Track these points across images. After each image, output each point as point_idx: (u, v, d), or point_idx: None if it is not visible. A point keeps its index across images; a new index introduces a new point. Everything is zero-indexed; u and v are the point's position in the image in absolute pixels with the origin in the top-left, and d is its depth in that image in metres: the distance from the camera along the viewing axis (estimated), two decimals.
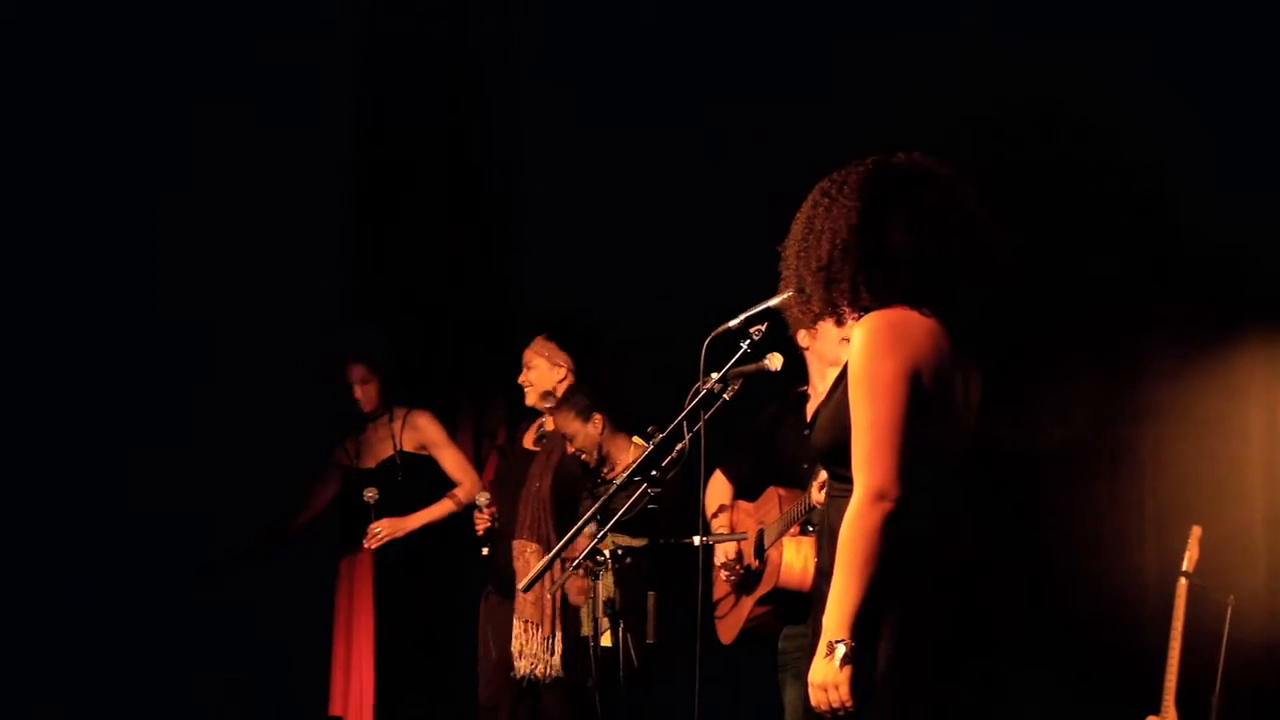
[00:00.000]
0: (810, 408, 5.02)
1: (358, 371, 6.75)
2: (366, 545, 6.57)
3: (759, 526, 5.04)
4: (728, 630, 5.17)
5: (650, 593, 4.69)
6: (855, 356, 3.15)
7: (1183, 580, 5.31)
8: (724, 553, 5.11)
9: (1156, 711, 5.23)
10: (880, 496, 3.05)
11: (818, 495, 4.65)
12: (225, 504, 6.62)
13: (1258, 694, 5.36)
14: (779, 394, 5.13)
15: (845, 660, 3.02)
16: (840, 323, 3.32)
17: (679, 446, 4.30)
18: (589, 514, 4.51)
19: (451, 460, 6.69)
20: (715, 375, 4.20)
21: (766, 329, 4.07)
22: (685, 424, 4.23)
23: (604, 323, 6.34)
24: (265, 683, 6.73)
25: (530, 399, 6.20)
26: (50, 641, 6.55)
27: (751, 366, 4.27)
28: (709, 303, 4.25)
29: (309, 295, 6.88)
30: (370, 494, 6.56)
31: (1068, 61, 5.75)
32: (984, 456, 3.22)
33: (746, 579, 5.07)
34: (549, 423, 6.16)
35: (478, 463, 6.81)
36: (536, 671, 5.87)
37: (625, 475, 4.41)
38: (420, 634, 6.60)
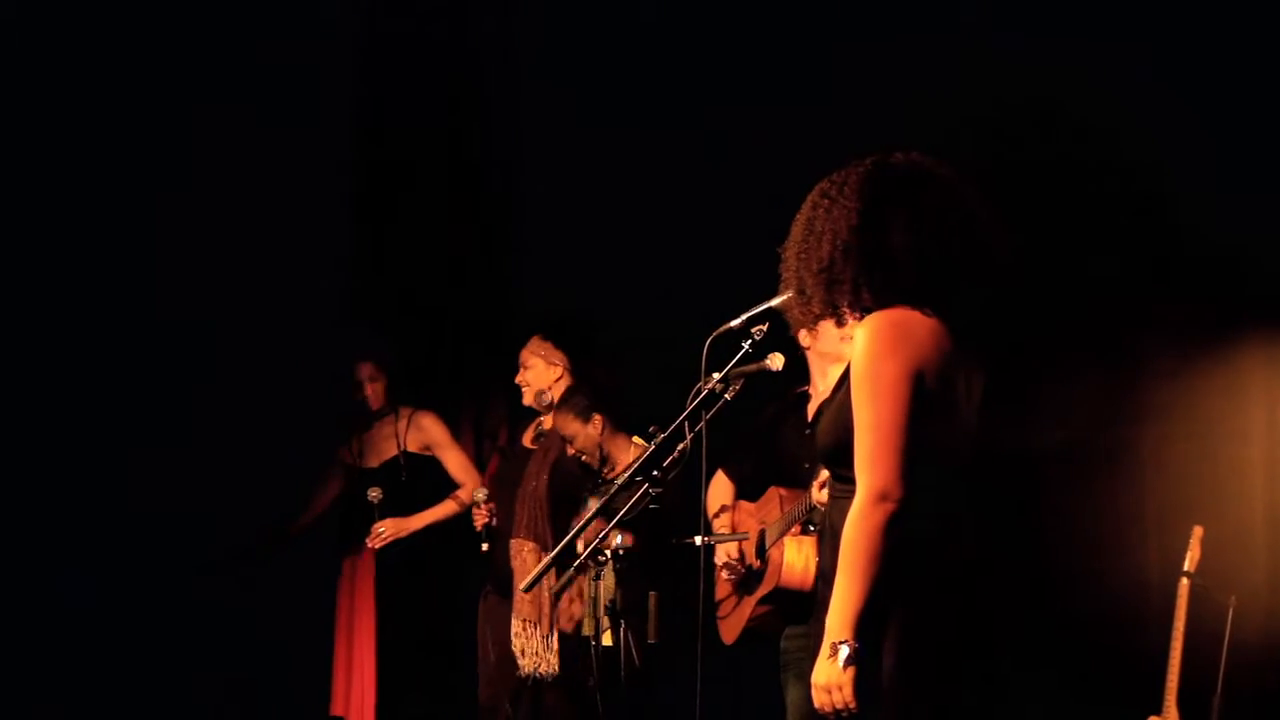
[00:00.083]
0: (811, 408, 5.03)
1: (366, 369, 6.76)
2: (370, 545, 6.57)
3: (760, 526, 5.04)
4: (729, 630, 5.17)
5: (652, 593, 4.69)
6: (858, 357, 3.15)
7: (1184, 580, 5.31)
8: (725, 553, 5.11)
9: (1158, 712, 5.23)
10: (883, 497, 3.05)
11: (818, 495, 4.65)
12: (225, 504, 6.63)
13: (1259, 694, 5.36)
14: (780, 394, 5.13)
15: (849, 661, 3.02)
16: (841, 323, 3.31)
17: (680, 446, 4.30)
18: (590, 514, 4.51)
19: (455, 462, 6.69)
20: (717, 375, 4.20)
21: (768, 329, 4.07)
22: (686, 424, 4.23)
23: (604, 323, 6.35)
24: (266, 683, 6.73)
25: (527, 399, 6.21)
26: (50, 641, 6.55)
27: (753, 366, 4.27)
28: (709, 303, 4.25)
29: (309, 295, 6.88)
30: (374, 494, 6.56)
31: (1068, 61, 5.75)
32: (986, 456, 3.22)
33: (748, 579, 5.07)
34: (547, 421, 6.16)
35: (479, 463, 6.81)
36: (540, 670, 5.88)
37: (626, 475, 4.41)
38: (422, 634, 6.59)
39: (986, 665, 3.17)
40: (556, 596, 5.75)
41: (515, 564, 6.00)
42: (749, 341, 4.11)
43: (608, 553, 4.64)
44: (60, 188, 6.61)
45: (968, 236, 3.22)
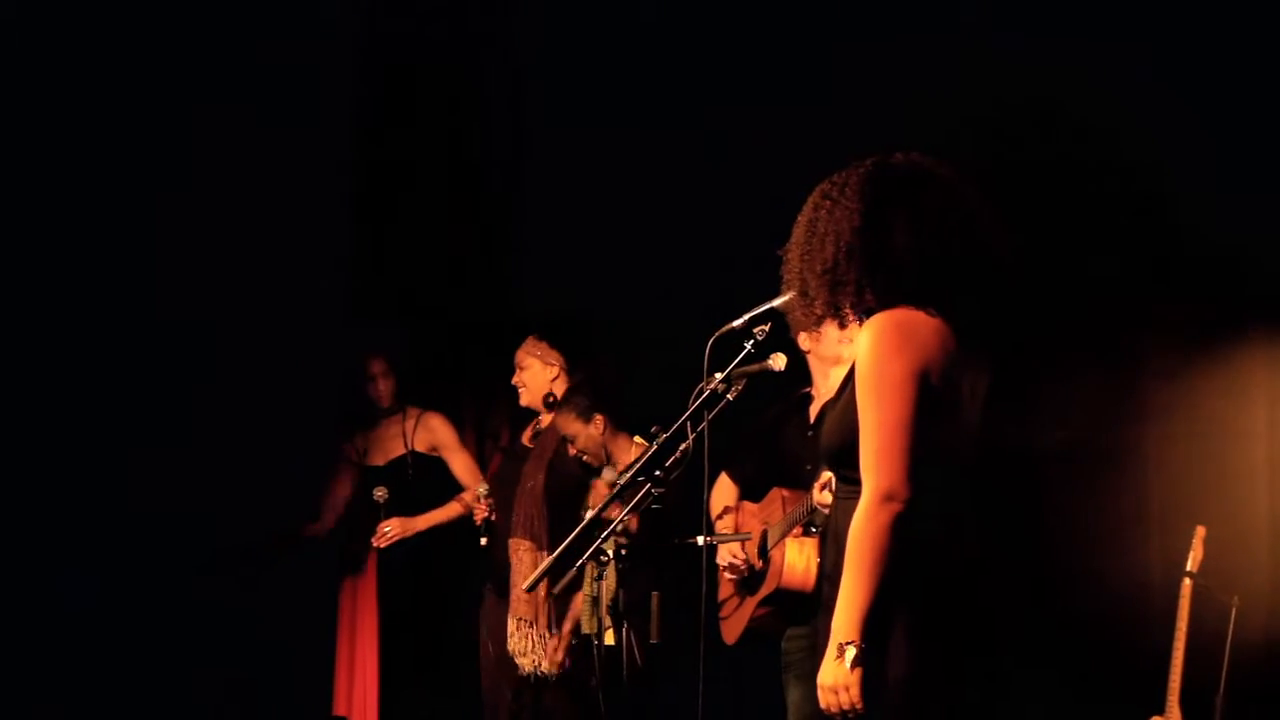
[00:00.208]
0: (814, 409, 5.03)
1: (378, 365, 6.77)
2: (375, 544, 6.57)
3: (763, 527, 5.05)
4: (731, 630, 5.18)
5: (654, 593, 4.69)
6: (863, 357, 3.15)
7: (1187, 580, 5.31)
8: (727, 553, 5.11)
9: (1161, 711, 5.23)
10: (889, 497, 3.05)
11: (819, 497, 4.66)
12: (225, 504, 6.62)
13: (1262, 694, 5.36)
14: (782, 394, 5.13)
15: (856, 662, 3.02)
16: (844, 324, 3.31)
17: (682, 447, 4.31)
18: (592, 514, 4.51)
19: (461, 464, 6.70)
20: (719, 375, 4.21)
21: (770, 329, 4.07)
22: (688, 424, 4.24)
23: (605, 323, 6.35)
24: (269, 682, 6.73)
25: (524, 399, 6.21)
26: (50, 641, 6.54)
27: (755, 367, 4.28)
28: (709, 303, 4.26)
29: (309, 295, 6.87)
30: (380, 493, 6.57)
31: (1068, 61, 5.75)
32: (991, 456, 3.22)
33: (750, 580, 5.07)
34: (544, 420, 6.17)
35: (481, 463, 6.81)
36: (541, 669, 5.88)
37: (629, 475, 4.42)
38: (424, 633, 6.60)
39: (991, 664, 3.17)
40: (556, 596, 5.75)
41: (512, 563, 6.01)
42: (751, 342, 4.12)
43: (610, 552, 4.64)
44: (60, 188, 6.59)
45: (968, 236, 3.22)
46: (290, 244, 6.79)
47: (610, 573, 4.71)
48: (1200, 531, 5.34)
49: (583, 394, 5.80)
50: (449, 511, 6.62)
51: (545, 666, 5.87)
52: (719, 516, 5.22)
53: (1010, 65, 5.84)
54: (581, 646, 5.68)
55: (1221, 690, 5.19)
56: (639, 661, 5.05)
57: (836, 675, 3.04)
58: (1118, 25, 5.75)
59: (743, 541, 5.09)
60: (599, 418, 5.73)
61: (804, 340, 4.86)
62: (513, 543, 6.03)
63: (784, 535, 4.87)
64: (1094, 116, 5.79)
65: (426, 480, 6.68)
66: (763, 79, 6.30)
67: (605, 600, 4.77)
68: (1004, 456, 3.27)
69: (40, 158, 6.56)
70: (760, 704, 5.23)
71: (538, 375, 6.15)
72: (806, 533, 4.82)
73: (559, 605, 5.84)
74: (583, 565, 4.59)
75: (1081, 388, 5.78)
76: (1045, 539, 5.63)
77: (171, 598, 6.63)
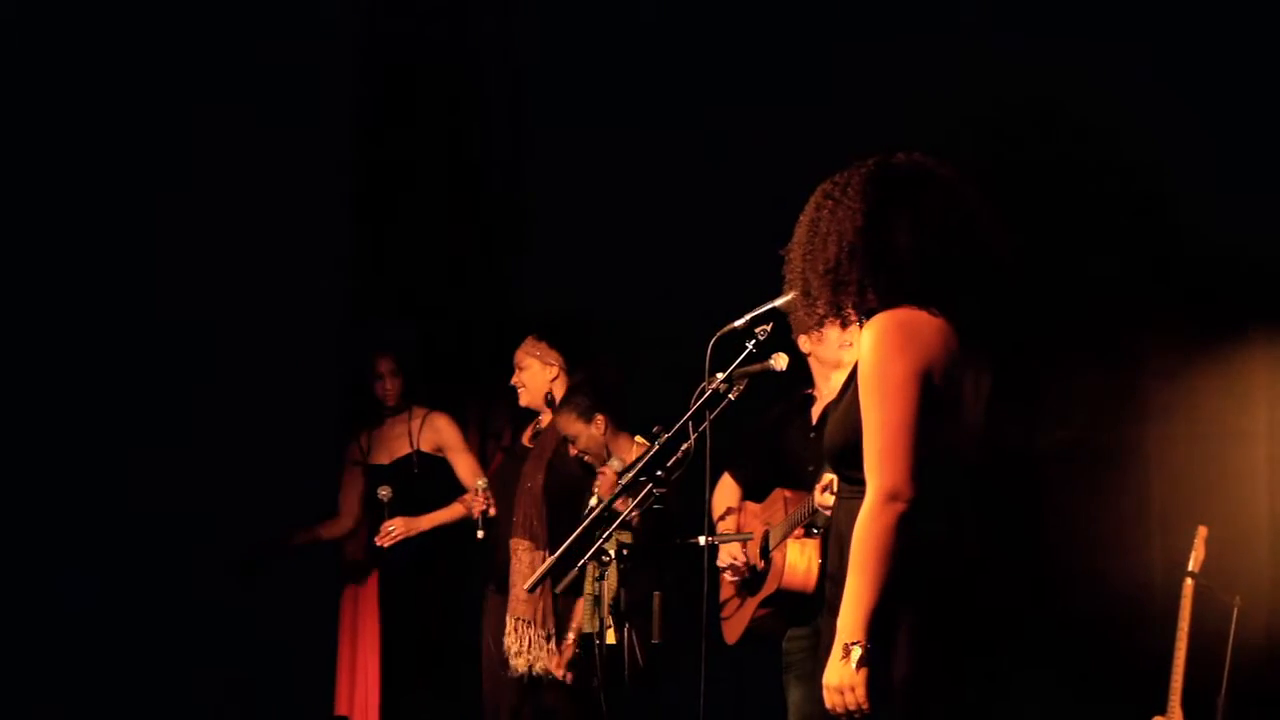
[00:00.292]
0: (816, 410, 5.03)
1: (386, 364, 6.78)
2: (379, 543, 6.58)
3: (765, 528, 5.05)
4: (732, 631, 5.18)
5: (656, 593, 4.69)
6: (865, 357, 3.15)
7: (1189, 580, 5.31)
8: (728, 554, 5.12)
9: (1162, 712, 5.23)
10: (893, 497, 3.05)
11: (821, 498, 4.66)
12: (225, 504, 6.62)
13: (1263, 694, 5.36)
14: (784, 394, 5.13)
15: (861, 662, 3.01)
16: (846, 324, 3.32)
17: (684, 446, 4.31)
18: (594, 514, 4.51)
19: (465, 465, 6.70)
20: (720, 375, 4.21)
21: (771, 329, 4.07)
22: (690, 424, 4.24)
23: (605, 323, 6.35)
24: (270, 682, 6.73)
25: (523, 400, 6.21)
26: (50, 641, 6.54)
27: (757, 366, 4.28)
28: (710, 303, 4.27)
29: (309, 295, 6.87)
30: (384, 492, 6.57)
31: (1068, 61, 5.75)
32: (993, 455, 3.22)
33: (751, 580, 5.08)
34: (544, 420, 6.17)
35: (483, 463, 6.81)
36: (536, 668, 5.87)
37: (631, 475, 4.42)
38: (426, 633, 6.60)
39: (992, 664, 3.17)
40: (558, 598, 5.75)
41: (512, 562, 6.01)
42: (753, 342, 4.11)
43: (611, 552, 4.64)
44: (60, 188, 6.59)
45: (969, 236, 3.22)
46: (290, 244, 6.79)
47: (612, 572, 4.71)
48: (1202, 531, 5.34)
49: (583, 394, 5.80)
50: (452, 512, 6.61)
51: (540, 669, 5.86)
52: (721, 517, 5.23)
53: (1010, 65, 5.84)
54: (583, 646, 5.68)
55: (1223, 690, 5.19)
56: (640, 661, 5.05)
57: (842, 676, 3.04)
58: (1118, 25, 5.76)
59: (744, 542, 5.09)
60: (600, 418, 5.73)
61: (804, 342, 4.86)
62: (513, 543, 6.03)
63: (785, 536, 4.87)
64: (1094, 116, 5.79)
65: (431, 480, 6.69)
66: (763, 79, 6.30)
67: (607, 600, 4.77)
68: (1006, 456, 3.27)
69: (41, 158, 6.56)
70: (761, 704, 5.23)
71: (537, 375, 6.15)
72: (808, 534, 4.82)
73: (560, 608, 5.84)
74: (584, 565, 4.59)
75: (1082, 388, 5.79)
76: (1046, 539, 5.63)
77: (171, 598, 6.63)
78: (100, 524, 6.59)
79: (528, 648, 5.87)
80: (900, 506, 3.04)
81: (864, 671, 3.02)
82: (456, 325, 7.18)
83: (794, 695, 4.90)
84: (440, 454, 6.75)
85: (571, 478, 5.90)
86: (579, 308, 6.41)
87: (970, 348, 3.20)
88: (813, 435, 4.97)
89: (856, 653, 3.02)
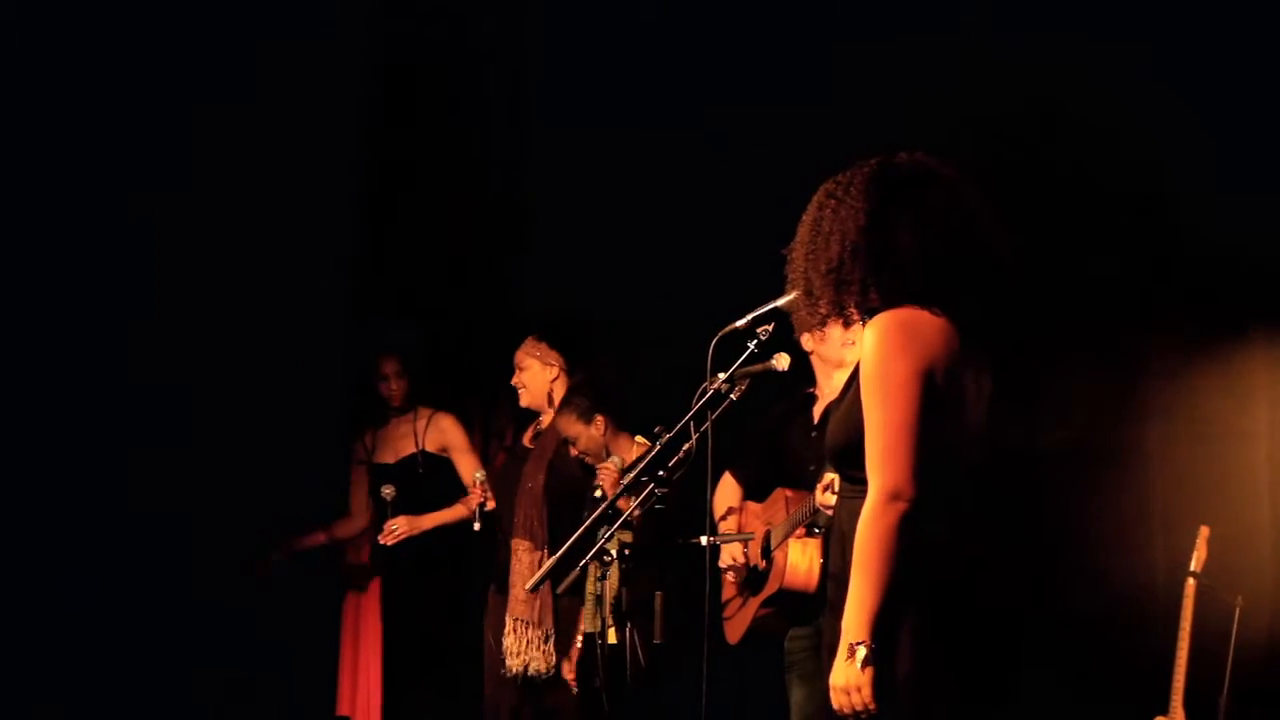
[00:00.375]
0: (818, 409, 5.04)
1: (392, 365, 6.79)
2: (382, 541, 6.58)
3: (766, 528, 5.05)
4: (734, 630, 5.18)
5: (658, 593, 4.69)
6: (868, 357, 3.15)
7: (1191, 580, 5.32)
8: (730, 554, 5.12)
9: (1164, 712, 5.23)
10: (895, 496, 3.05)
11: (822, 497, 4.66)
12: (225, 504, 6.62)
13: (1265, 694, 5.36)
14: (786, 394, 5.13)
15: (867, 662, 3.02)
16: (848, 324, 3.32)
17: (685, 446, 4.31)
18: (595, 513, 4.52)
19: (468, 466, 6.69)
20: (722, 375, 4.21)
21: (773, 329, 4.07)
22: (692, 424, 4.24)
23: (606, 323, 6.35)
24: (271, 683, 6.73)
25: (524, 400, 6.21)
26: (50, 641, 6.54)
27: (758, 366, 4.27)
28: (712, 302, 4.26)
29: (309, 295, 6.87)
30: (388, 491, 6.58)
31: (1068, 61, 5.75)
32: (995, 455, 3.22)
33: (753, 580, 5.08)
34: (545, 420, 6.17)
35: (486, 463, 6.81)
36: (532, 668, 5.87)
37: (632, 475, 4.42)
38: (427, 633, 6.60)
39: (993, 664, 3.17)
40: (559, 599, 5.75)
41: (512, 563, 6.01)
42: (754, 341, 4.11)
43: (613, 552, 4.65)
44: (61, 187, 6.59)
45: (970, 236, 3.23)
46: (291, 244, 6.79)
47: (614, 572, 4.72)
48: (1204, 531, 5.34)
49: (583, 395, 5.80)
50: (455, 512, 6.62)
51: (535, 670, 5.86)
52: (723, 517, 5.23)
53: (1010, 65, 5.84)
54: (585, 646, 5.68)
55: (1225, 690, 5.19)
56: (642, 661, 5.05)
57: (848, 676, 3.04)
58: (1118, 25, 5.76)
59: (746, 542, 5.09)
60: (600, 418, 5.73)
61: (807, 341, 4.87)
62: (513, 543, 6.04)
63: (787, 536, 4.87)
64: (1094, 116, 5.79)
65: (435, 480, 6.69)
66: (763, 79, 6.30)
67: (609, 600, 4.77)
68: (1007, 456, 3.27)
69: (41, 158, 6.55)
70: (763, 704, 5.23)
71: (537, 376, 6.15)
72: (809, 533, 4.83)
73: (561, 609, 5.83)
74: (586, 565, 4.60)
75: (1082, 388, 5.79)
76: (1047, 539, 5.63)
77: (171, 598, 6.62)
78: (100, 524, 6.59)
79: (525, 648, 5.87)
80: (902, 506, 3.05)
81: (870, 671, 3.02)
82: (457, 325, 7.18)
83: (796, 695, 4.90)
84: (445, 454, 6.75)
85: (572, 478, 5.90)
86: (579, 308, 6.41)
87: (971, 347, 3.20)
88: (814, 434, 4.97)
89: (862, 653, 3.03)
